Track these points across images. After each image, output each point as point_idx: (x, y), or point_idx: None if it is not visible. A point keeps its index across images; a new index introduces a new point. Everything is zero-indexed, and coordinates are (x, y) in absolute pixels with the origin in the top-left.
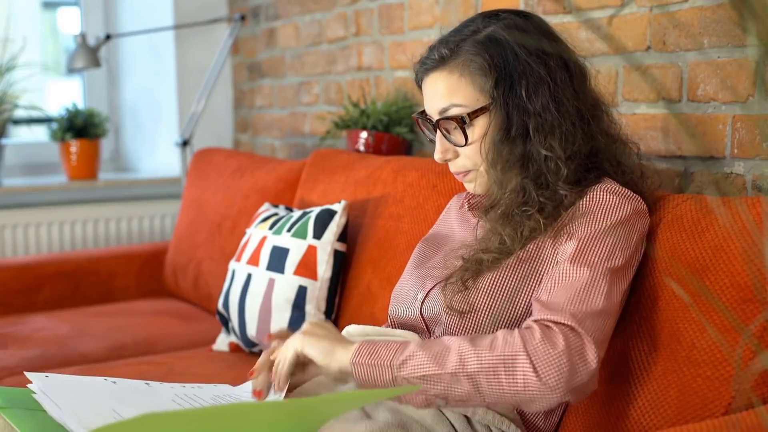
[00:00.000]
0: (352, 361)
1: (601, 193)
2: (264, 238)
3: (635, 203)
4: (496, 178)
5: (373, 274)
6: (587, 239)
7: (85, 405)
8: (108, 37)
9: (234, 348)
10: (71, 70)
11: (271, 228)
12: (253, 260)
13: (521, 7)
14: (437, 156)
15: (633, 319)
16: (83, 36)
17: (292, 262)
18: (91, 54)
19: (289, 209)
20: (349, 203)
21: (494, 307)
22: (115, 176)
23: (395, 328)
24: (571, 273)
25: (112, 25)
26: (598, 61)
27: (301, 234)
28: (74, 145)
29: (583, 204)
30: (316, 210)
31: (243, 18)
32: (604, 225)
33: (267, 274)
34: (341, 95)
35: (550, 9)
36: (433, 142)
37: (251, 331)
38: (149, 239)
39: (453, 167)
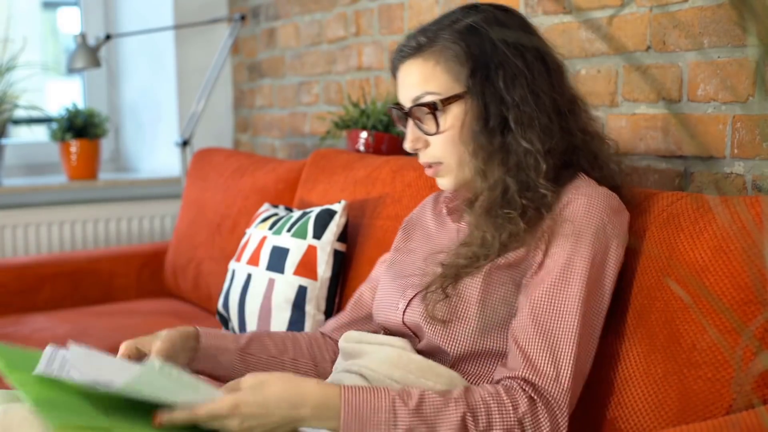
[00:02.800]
0: None
1: (577, 198)
2: (264, 238)
3: (608, 200)
4: (478, 169)
5: None
6: (564, 264)
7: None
8: (108, 37)
9: None
10: (71, 70)
11: (271, 228)
12: (253, 260)
13: (521, 7)
14: (407, 144)
15: (629, 319)
16: (83, 36)
17: (292, 262)
18: (91, 54)
19: (289, 209)
20: (349, 203)
21: (479, 314)
22: (115, 176)
23: (384, 334)
24: (548, 308)
25: (112, 25)
26: (598, 61)
27: (301, 234)
28: (74, 145)
29: (560, 211)
30: (315, 210)
31: (243, 18)
32: (581, 243)
33: (267, 274)
34: (341, 95)
35: (550, 9)
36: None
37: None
38: (149, 239)
39: (423, 157)
